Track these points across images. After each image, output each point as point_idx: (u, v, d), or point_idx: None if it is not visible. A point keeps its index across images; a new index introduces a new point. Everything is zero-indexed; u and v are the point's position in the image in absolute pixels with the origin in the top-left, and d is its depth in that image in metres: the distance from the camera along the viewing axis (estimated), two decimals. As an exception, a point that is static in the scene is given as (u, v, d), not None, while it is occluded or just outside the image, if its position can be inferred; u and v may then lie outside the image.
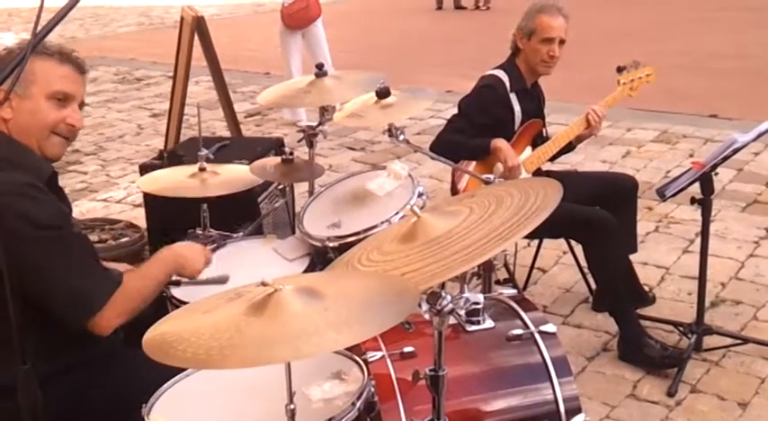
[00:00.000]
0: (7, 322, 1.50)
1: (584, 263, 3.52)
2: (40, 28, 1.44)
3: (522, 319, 2.10)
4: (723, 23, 11.63)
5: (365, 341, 1.91)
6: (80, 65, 2.13)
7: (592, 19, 10.99)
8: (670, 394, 3.05)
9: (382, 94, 2.65)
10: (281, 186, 3.75)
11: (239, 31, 12.24)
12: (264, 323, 1.40)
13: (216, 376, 1.83)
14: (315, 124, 2.90)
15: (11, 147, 2.02)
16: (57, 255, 1.96)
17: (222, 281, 2.44)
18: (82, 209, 5.14)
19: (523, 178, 3.32)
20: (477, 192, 1.87)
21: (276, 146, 4.11)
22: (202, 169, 2.87)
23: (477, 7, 14.36)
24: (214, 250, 2.44)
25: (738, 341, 3.31)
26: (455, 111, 3.47)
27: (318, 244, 2.53)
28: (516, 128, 3.44)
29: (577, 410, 2.00)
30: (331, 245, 2.49)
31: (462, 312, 2.04)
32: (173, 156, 3.87)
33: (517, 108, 3.43)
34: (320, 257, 2.55)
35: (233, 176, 2.89)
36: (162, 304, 2.32)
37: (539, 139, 3.56)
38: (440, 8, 14.48)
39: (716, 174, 3.13)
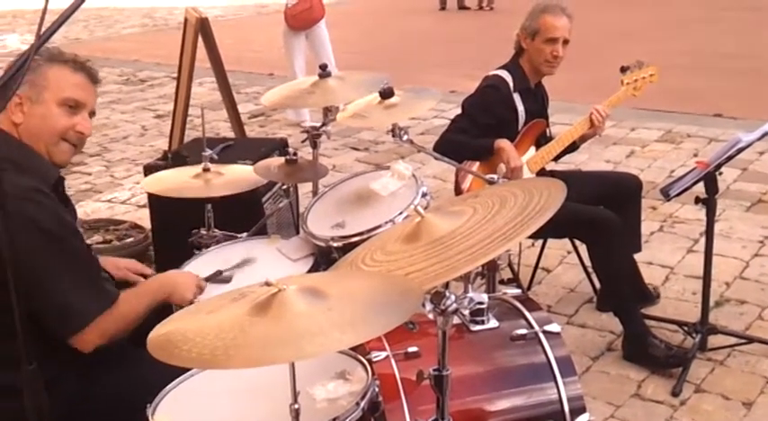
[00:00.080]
0: (12, 322, 1.50)
1: (588, 262, 3.51)
2: (44, 29, 1.45)
3: (526, 319, 2.10)
4: (727, 23, 11.62)
5: (369, 341, 1.91)
6: (93, 74, 2.17)
7: (596, 19, 10.98)
8: (675, 394, 3.05)
9: (386, 94, 2.65)
10: (285, 186, 3.76)
11: (243, 33, 12.25)
12: (268, 323, 1.40)
13: (220, 376, 1.83)
14: (318, 125, 2.91)
15: (19, 151, 2.03)
16: (53, 266, 1.96)
17: (226, 280, 2.44)
18: (86, 209, 5.15)
19: (527, 178, 3.32)
20: (481, 193, 1.87)
21: (280, 146, 4.11)
22: (206, 170, 2.87)
23: (481, 7, 14.36)
24: (208, 279, 2.41)
25: (743, 340, 3.30)
26: (459, 111, 3.47)
27: (322, 244, 2.53)
28: (520, 128, 3.44)
29: (582, 410, 1.99)
30: (335, 245, 2.49)
31: (466, 312, 2.04)
32: (177, 156, 3.87)
33: (521, 108, 3.43)
34: (324, 257, 2.55)
35: (237, 177, 2.90)
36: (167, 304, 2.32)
37: (542, 139, 3.56)
38: (443, 8, 14.49)
39: (720, 173, 3.13)
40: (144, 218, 4.41)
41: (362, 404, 1.69)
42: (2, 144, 2.00)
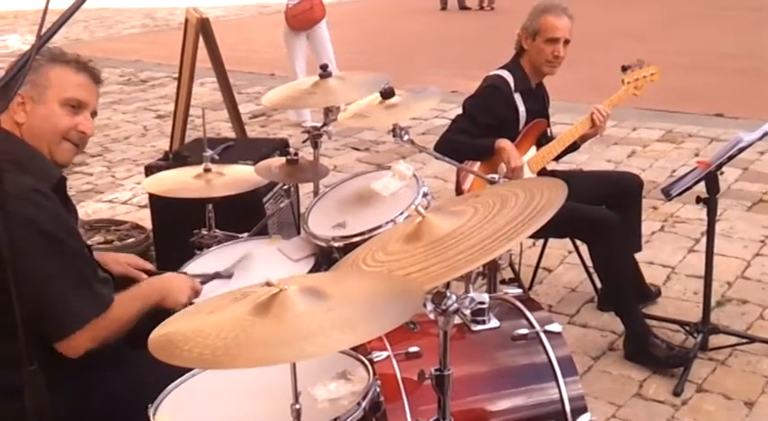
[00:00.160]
0: (13, 323, 1.50)
1: (589, 262, 3.51)
2: (44, 30, 1.45)
3: (527, 319, 2.10)
4: (728, 23, 11.62)
5: (370, 341, 1.91)
6: (95, 75, 2.18)
7: (596, 18, 10.98)
8: (676, 393, 3.04)
9: (387, 94, 2.65)
10: (285, 187, 3.76)
11: (244, 33, 12.25)
12: (269, 323, 1.40)
13: (221, 376, 1.83)
14: (319, 125, 2.91)
15: (22, 151, 2.03)
16: (48, 268, 1.94)
17: (228, 275, 2.45)
18: (88, 210, 5.15)
19: (528, 178, 3.32)
20: (482, 192, 1.87)
21: (281, 146, 4.11)
22: (207, 170, 2.87)
23: (482, 8, 14.37)
24: (204, 282, 2.41)
25: (744, 340, 3.30)
26: (459, 111, 3.47)
27: (323, 244, 2.54)
28: (521, 128, 3.43)
29: (583, 410, 1.99)
30: (336, 245, 2.49)
31: (467, 312, 2.04)
32: (178, 157, 3.87)
33: (522, 108, 3.43)
34: (325, 257, 2.55)
35: (238, 177, 2.90)
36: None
37: (543, 139, 3.56)
38: (444, 9, 14.49)
39: (721, 173, 3.13)
40: (145, 218, 4.41)
41: (364, 404, 1.69)
42: (4, 144, 2.00)
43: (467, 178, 3.34)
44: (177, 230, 2.97)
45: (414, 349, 1.98)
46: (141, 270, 2.52)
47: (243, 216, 3.23)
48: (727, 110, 6.87)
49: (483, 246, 1.53)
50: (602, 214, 3.34)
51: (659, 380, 3.15)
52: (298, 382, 1.55)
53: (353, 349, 1.83)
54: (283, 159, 2.94)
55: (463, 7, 14.45)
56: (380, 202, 2.62)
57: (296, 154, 2.94)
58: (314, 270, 2.51)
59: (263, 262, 2.61)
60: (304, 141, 2.96)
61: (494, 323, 2.09)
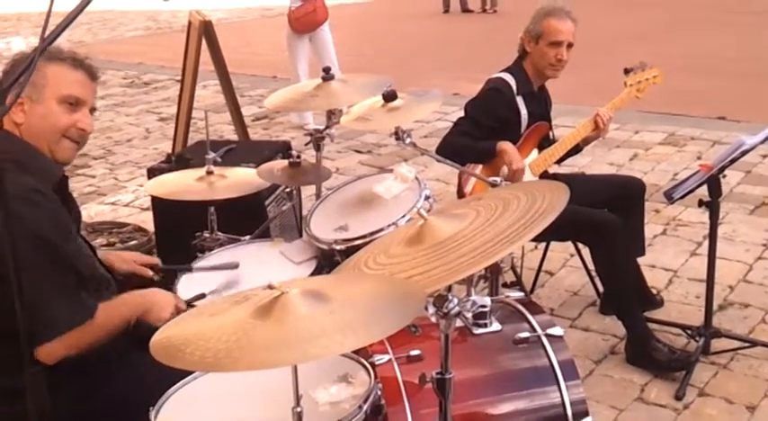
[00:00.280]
0: (14, 324, 1.50)
1: (591, 265, 3.51)
2: (48, 32, 1.45)
3: (529, 322, 2.10)
4: (730, 26, 11.61)
5: (372, 344, 1.91)
6: (92, 71, 2.16)
7: (598, 21, 10.98)
8: (678, 397, 3.04)
9: (389, 97, 2.65)
10: (288, 189, 3.76)
11: (247, 36, 12.27)
12: (271, 326, 1.40)
13: (223, 379, 1.83)
14: (322, 127, 2.91)
15: (22, 150, 2.03)
16: (34, 269, 1.89)
17: (233, 265, 2.47)
18: (90, 212, 5.15)
19: (530, 181, 3.31)
20: (484, 195, 1.87)
21: (283, 149, 4.11)
22: (210, 172, 2.87)
23: (484, 10, 14.38)
24: (190, 302, 2.38)
25: (747, 344, 3.29)
26: (462, 113, 3.47)
27: (325, 247, 2.54)
28: (523, 131, 3.43)
29: (585, 414, 1.99)
30: (338, 248, 2.49)
31: (469, 315, 2.04)
32: (180, 159, 3.88)
33: (524, 111, 3.43)
34: (327, 260, 2.55)
35: (240, 180, 2.90)
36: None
37: (545, 142, 3.56)
38: (447, 11, 14.51)
39: (724, 176, 3.13)
40: (147, 220, 4.42)
41: (365, 407, 1.69)
42: (4, 143, 2.00)
43: (469, 181, 3.34)
44: (179, 233, 2.97)
45: (415, 352, 1.98)
46: (147, 265, 2.51)
47: (245, 218, 3.23)
48: (729, 113, 6.87)
49: (485, 250, 1.53)
50: (604, 217, 3.33)
51: (661, 383, 3.14)
52: (299, 385, 1.55)
53: (355, 352, 1.83)
54: (286, 162, 2.95)
55: (466, 10, 14.46)
56: (382, 205, 2.63)
57: (298, 156, 2.95)
58: (316, 273, 2.51)
59: (265, 264, 2.61)
60: (306, 144, 2.96)
61: (495, 326, 2.08)
